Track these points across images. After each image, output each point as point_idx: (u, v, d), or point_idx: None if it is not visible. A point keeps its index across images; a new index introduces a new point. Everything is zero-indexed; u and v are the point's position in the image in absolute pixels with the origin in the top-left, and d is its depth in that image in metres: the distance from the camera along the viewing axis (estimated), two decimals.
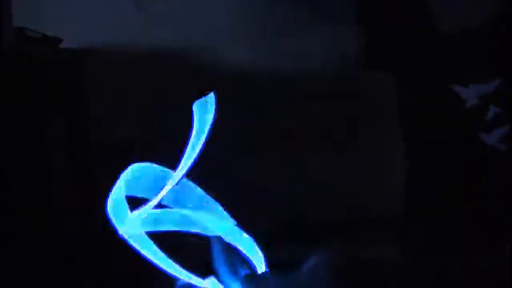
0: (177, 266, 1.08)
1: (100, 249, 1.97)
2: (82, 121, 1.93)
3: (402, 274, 1.34)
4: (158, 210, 1.10)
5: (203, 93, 1.08)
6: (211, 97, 1.10)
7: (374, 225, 2.10)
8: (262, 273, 1.10)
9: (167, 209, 1.12)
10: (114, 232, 1.15)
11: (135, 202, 1.14)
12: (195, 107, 1.08)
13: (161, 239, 1.15)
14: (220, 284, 1.08)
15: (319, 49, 2.16)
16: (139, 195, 1.12)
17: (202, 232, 1.11)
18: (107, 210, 1.05)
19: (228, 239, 1.07)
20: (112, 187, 2.13)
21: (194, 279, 1.06)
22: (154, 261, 1.07)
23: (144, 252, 1.05)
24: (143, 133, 2.12)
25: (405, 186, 1.32)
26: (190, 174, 1.11)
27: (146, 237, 1.09)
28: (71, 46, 1.92)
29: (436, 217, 1.27)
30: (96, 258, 1.94)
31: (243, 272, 1.11)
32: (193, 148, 1.05)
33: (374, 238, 2.01)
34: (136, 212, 1.05)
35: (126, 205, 1.06)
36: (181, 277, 1.06)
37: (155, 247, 1.08)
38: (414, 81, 1.26)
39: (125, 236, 1.03)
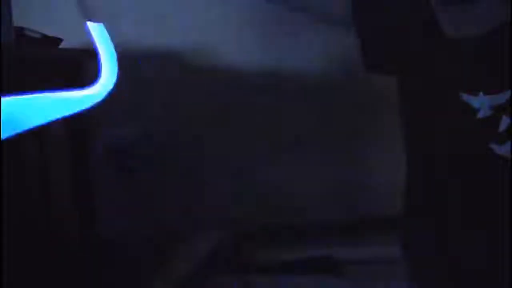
0: None
1: (100, 249, 1.97)
2: (82, 121, 1.93)
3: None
4: None
5: None
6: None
7: (374, 225, 2.10)
8: None
9: None
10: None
11: None
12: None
13: None
14: None
15: (319, 49, 2.16)
16: None
17: None
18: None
19: None
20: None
21: None
22: None
23: None
24: (143, 133, 2.12)
25: (409, 192, 1.32)
26: None
27: None
28: (71, 46, 1.91)
29: (442, 224, 1.26)
30: (96, 258, 1.94)
31: None
32: None
33: (374, 238, 2.01)
34: None
35: None
36: None
37: None
38: (420, 84, 1.25)
39: None
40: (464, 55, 1.18)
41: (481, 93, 1.14)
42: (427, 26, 1.22)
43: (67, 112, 0.85)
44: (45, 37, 1.80)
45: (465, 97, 1.16)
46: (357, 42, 1.29)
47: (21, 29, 1.72)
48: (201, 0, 2.14)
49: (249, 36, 2.13)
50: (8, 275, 1.42)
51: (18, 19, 1.66)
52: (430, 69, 1.22)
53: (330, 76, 2.19)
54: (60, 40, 1.87)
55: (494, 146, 1.14)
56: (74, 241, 1.92)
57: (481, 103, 1.15)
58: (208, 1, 2.14)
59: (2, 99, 0.79)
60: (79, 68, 1.93)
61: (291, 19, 2.10)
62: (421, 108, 1.26)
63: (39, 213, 1.94)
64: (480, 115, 1.15)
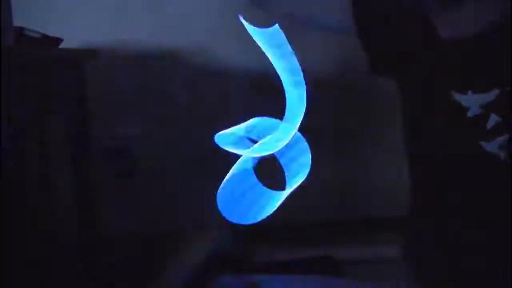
0: None
1: (100, 249, 1.97)
2: (82, 121, 1.93)
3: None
4: None
5: None
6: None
7: (375, 225, 2.10)
8: None
9: None
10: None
11: None
12: None
13: None
14: None
15: (319, 50, 2.16)
16: None
17: None
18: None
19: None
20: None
21: None
22: None
23: None
24: (143, 133, 2.12)
25: (411, 191, 1.33)
26: None
27: None
28: (71, 46, 1.92)
29: (435, 221, 1.27)
30: (96, 258, 1.94)
31: None
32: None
33: (374, 238, 2.01)
34: None
35: None
36: None
37: None
38: (415, 85, 1.26)
39: None
40: (456, 55, 1.18)
41: (470, 92, 1.15)
42: (423, 26, 1.23)
43: None
44: (45, 37, 1.80)
45: (457, 96, 1.17)
46: (360, 46, 1.30)
47: (21, 29, 1.72)
48: (201, 1, 2.14)
49: (250, 36, 2.13)
50: (8, 274, 1.42)
51: (18, 19, 1.66)
52: (425, 69, 1.23)
53: (330, 75, 2.19)
54: (60, 40, 1.87)
55: (483, 144, 1.15)
56: (74, 241, 1.92)
57: (470, 101, 1.16)
58: (208, 1, 2.14)
59: None
60: (79, 68, 1.93)
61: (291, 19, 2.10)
62: (418, 107, 1.27)
63: (39, 213, 1.94)
64: (470, 113, 1.16)
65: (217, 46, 2.15)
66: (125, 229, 2.09)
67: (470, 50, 1.17)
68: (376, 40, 1.30)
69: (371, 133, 2.23)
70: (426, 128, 1.25)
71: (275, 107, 2.30)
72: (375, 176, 2.23)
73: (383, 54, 1.29)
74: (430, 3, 1.18)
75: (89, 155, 1.95)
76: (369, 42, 1.30)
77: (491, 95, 1.14)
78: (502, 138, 1.13)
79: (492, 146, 1.14)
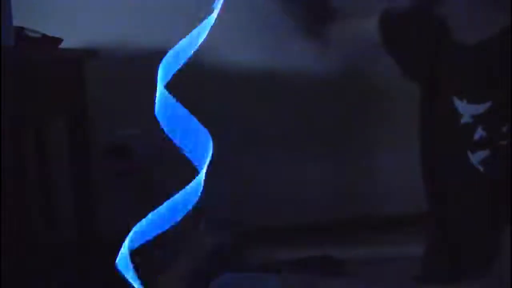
0: None
1: (100, 249, 1.97)
2: (82, 121, 1.94)
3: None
4: None
5: None
6: None
7: (374, 225, 2.10)
8: None
9: None
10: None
11: None
12: None
13: None
14: None
15: (319, 49, 2.16)
16: None
17: None
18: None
19: None
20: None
21: None
22: None
23: None
24: (143, 133, 2.12)
25: (405, 189, 1.33)
26: None
27: None
28: (71, 46, 1.92)
29: (439, 227, 1.27)
30: (96, 258, 1.94)
31: None
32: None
33: (374, 238, 2.01)
34: None
35: None
36: None
37: None
38: (417, 87, 1.27)
39: None
40: (463, 62, 1.19)
41: (465, 100, 1.16)
42: (442, 31, 1.23)
43: None
44: (45, 37, 1.80)
45: (455, 101, 1.18)
46: (390, 59, 1.30)
47: (21, 29, 1.72)
48: (199, 1, 2.14)
49: (248, 37, 2.13)
50: (8, 275, 1.42)
51: (18, 19, 1.66)
52: (436, 74, 1.23)
53: (331, 76, 2.19)
54: (60, 40, 1.87)
55: (469, 154, 1.15)
56: (74, 241, 1.92)
57: (465, 109, 1.16)
58: (206, 2, 2.14)
59: None
60: (79, 68, 1.93)
61: (289, 19, 2.10)
62: (424, 111, 1.28)
63: (39, 213, 1.94)
64: (462, 120, 1.17)
65: (218, 46, 2.15)
66: (125, 229, 2.09)
67: (475, 57, 1.17)
68: (405, 53, 1.30)
69: (372, 134, 2.23)
70: (431, 133, 1.25)
71: (274, 107, 2.30)
72: (375, 176, 2.23)
73: (412, 64, 1.30)
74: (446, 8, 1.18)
75: (89, 155, 1.95)
76: (399, 56, 1.31)
77: (481, 107, 1.14)
78: (484, 153, 1.13)
79: (475, 159, 1.15)
